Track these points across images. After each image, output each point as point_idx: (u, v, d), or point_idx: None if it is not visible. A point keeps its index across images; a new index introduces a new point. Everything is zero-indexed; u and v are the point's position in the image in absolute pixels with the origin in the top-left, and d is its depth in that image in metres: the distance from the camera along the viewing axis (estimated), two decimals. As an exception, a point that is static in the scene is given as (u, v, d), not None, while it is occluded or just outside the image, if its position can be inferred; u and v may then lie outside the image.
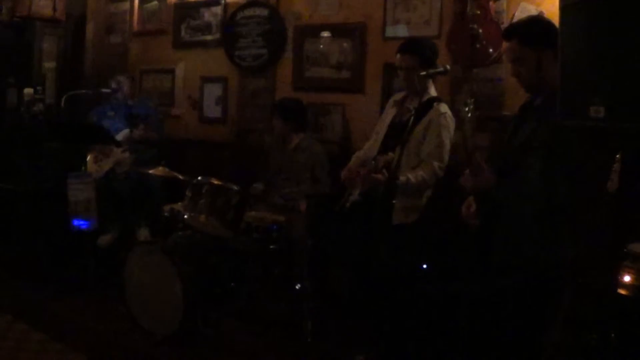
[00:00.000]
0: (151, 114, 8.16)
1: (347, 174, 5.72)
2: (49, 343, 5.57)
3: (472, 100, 4.42)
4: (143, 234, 7.54)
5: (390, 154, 5.45)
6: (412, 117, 5.34)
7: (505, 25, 6.21)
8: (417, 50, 5.78)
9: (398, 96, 6.02)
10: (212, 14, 8.82)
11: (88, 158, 7.65)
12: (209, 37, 8.84)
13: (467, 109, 4.38)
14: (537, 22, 4.62)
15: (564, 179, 3.82)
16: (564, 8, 3.48)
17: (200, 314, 5.56)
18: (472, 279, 4.46)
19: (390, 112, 5.96)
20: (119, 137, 7.74)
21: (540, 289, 3.94)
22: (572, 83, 3.42)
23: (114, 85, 8.10)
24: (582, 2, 3.33)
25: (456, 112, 4.97)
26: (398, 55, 5.84)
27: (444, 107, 5.35)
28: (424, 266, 5.46)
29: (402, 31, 7.05)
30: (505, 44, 4.59)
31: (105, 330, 5.83)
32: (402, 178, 5.36)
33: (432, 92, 5.76)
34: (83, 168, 7.06)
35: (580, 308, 3.75)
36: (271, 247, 6.00)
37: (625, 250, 3.74)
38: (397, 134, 5.58)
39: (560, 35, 3.56)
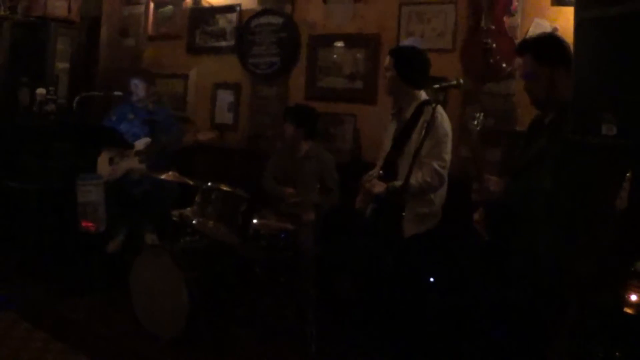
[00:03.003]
0: (172, 124, 8.15)
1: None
2: (52, 343, 5.57)
3: (481, 114, 4.44)
4: (151, 237, 7.53)
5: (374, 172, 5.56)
6: (407, 124, 5.41)
7: (519, 40, 6.21)
8: (396, 54, 5.84)
9: (394, 110, 6.02)
10: (226, 21, 8.83)
11: (100, 159, 7.65)
12: (223, 44, 8.86)
13: (475, 122, 4.40)
14: (551, 39, 4.63)
15: (573, 196, 3.82)
16: (578, 24, 3.47)
17: (206, 319, 5.56)
18: (481, 291, 4.47)
19: (391, 127, 5.96)
20: (139, 144, 7.73)
21: (546, 303, 3.94)
22: (585, 99, 3.40)
23: (132, 87, 8.06)
24: (596, 18, 3.32)
25: (465, 125, 4.95)
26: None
27: (432, 108, 5.31)
28: (431, 279, 5.48)
29: (415, 43, 7.04)
30: (518, 59, 4.60)
31: (109, 332, 5.84)
32: (397, 183, 5.38)
33: (423, 97, 5.76)
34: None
35: (586, 325, 3.74)
36: (278, 254, 5.99)
37: (632, 269, 3.73)
38: (400, 146, 5.62)
39: (574, 52, 3.55)
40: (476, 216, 4.59)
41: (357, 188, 5.74)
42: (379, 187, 5.46)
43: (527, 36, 6.05)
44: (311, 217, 6.38)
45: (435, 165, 5.42)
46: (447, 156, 5.52)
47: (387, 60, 5.82)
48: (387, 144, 5.87)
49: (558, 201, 3.92)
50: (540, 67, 4.29)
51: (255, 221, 6.05)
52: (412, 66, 5.73)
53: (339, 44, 7.76)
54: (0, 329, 5.78)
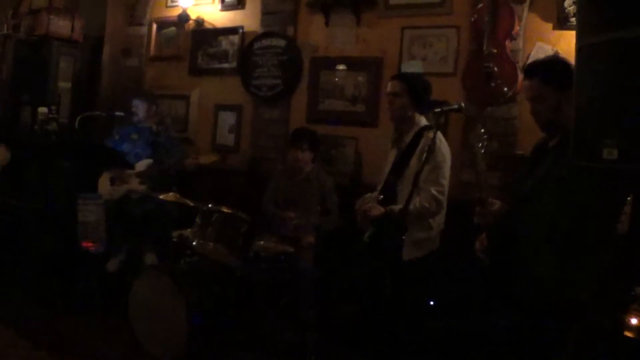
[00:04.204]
0: (175, 145, 8.15)
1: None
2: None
3: (486, 137, 4.43)
4: (151, 258, 7.52)
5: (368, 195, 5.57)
6: (406, 150, 5.43)
7: (520, 64, 6.23)
8: (407, 80, 5.84)
9: (393, 136, 6.04)
10: (229, 43, 8.87)
11: (101, 179, 7.65)
12: (225, 65, 8.90)
13: (480, 144, 4.39)
14: (559, 63, 4.62)
15: (575, 220, 3.82)
16: (579, 49, 3.48)
17: (205, 340, 5.54)
18: (481, 315, 4.46)
19: (391, 154, 5.97)
20: (141, 165, 7.74)
21: (547, 327, 3.94)
22: (586, 124, 3.41)
23: (133, 108, 8.06)
24: (598, 43, 3.33)
25: (469, 149, 4.95)
26: (389, 83, 5.92)
27: (433, 133, 5.30)
28: (431, 302, 5.47)
29: (417, 67, 7.07)
30: (522, 82, 4.61)
31: (108, 352, 5.82)
32: (395, 207, 5.38)
33: (423, 122, 5.78)
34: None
35: (586, 348, 3.73)
36: (278, 277, 5.98)
37: (632, 293, 3.72)
38: (399, 171, 5.63)
39: (575, 76, 3.56)
40: (477, 244, 4.59)
41: (355, 214, 5.74)
42: (377, 211, 5.47)
43: (531, 60, 6.05)
44: (311, 240, 6.39)
45: (433, 190, 5.44)
46: (445, 181, 5.54)
47: (395, 85, 5.82)
48: (387, 169, 5.87)
49: (560, 225, 3.92)
50: (548, 90, 4.29)
51: (255, 243, 6.05)
52: (421, 92, 5.76)
53: (341, 66, 7.78)
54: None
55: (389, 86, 5.90)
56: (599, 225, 3.64)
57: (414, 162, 5.52)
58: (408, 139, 5.71)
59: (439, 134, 5.39)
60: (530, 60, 6.06)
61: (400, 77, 6.00)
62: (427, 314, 5.47)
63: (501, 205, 4.44)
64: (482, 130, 4.48)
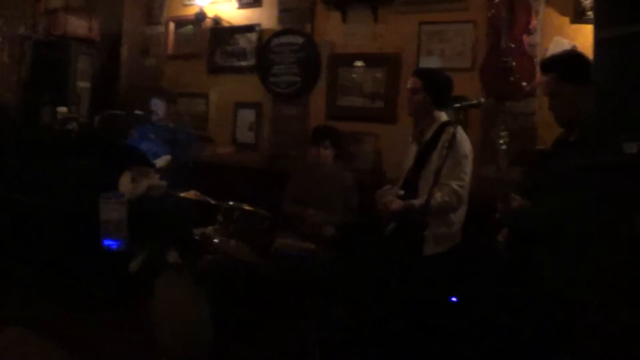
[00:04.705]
0: (193, 141, 8.20)
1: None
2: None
3: (506, 133, 4.43)
4: (172, 256, 7.53)
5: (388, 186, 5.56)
6: (427, 145, 5.43)
7: (538, 58, 6.22)
8: (426, 76, 5.85)
9: (415, 132, 6.04)
10: (247, 40, 8.89)
11: (122, 178, 7.68)
12: (243, 63, 8.92)
13: (501, 141, 4.39)
14: (577, 57, 4.61)
15: (595, 216, 3.82)
16: (598, 43, 3.48)
17: (226, 339, 5.55)
18: (500, 311, 4.46)
19: (412, 149, 5.97)
20: (159, 162, 7.78)
21: (554, 327, 3.94)
22: (605, 118, 3.41)
23: (152, 107, 8.09)
24: (616, 37, 3.33)
25: (490, 145, 4.94)
26: (410, 79, 5.93)
27: (454, 128, 5.27)
28: (451, 299, 5.46)
29: (434, 62, 7.08)
30: (540, 77, 4.60)
31: (129, 352, 5.84)
32: (416, 202, 5.38)
33: (443, 118, 5.77)
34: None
35: (591, 350, 3.73)
36: (299, 274, 5.99)
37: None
38: (420, 166, 5.63)
39: (593, 70, 3.56)
40: (500, 237, 4.59)
41: (375, 206, 5.74)
42: (396, 205, 5.47)
43: (549, 54, 6.04)
44: (331, 237, 6.40)
45: (454, 185, 5.43)
46: (466, 176, 5.53)
47: (413, 81, 5.82)
48: (408, 165, 5.87)
49: (578, 221, 3.91)
50: (565, 85, 4.27)
51: (276, 241, 6.07)
52: (441, 88, 5.75)
53: (359, 63, 7.80)
54: (8, 343, 5.80)
55: (409, 82, 5.91)
56: (617, 221, 3.64)
57: (435, 158, 5.51)
58: (429, 134, 5.70)
59: (460, 129, 5.40)
60: (548, 55, 6.05)
61: (419, 73, 6.00)
62: (446, 310, 5.47)
63: (522, 201, 4.44)
64: (503, 127, 4.48)
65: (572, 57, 4.74)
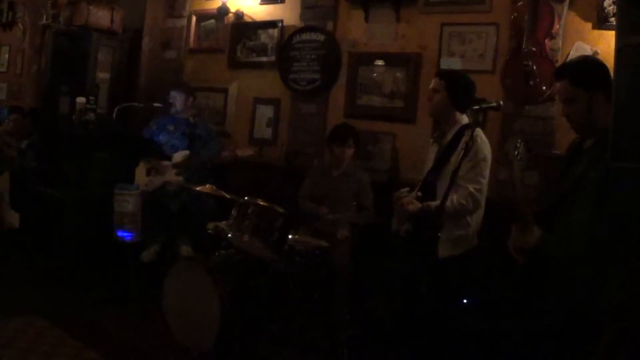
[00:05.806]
0: (212, 138, 8.19)
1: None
2: (83, 351, 5.59)
3: (522, 142, 4.39)
4: (186, 249, 7.53)
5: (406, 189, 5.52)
6: (447, 147, 5.40)
7: (559, 63, 6.18)
8: (449, 78, 5.80)
9: (436, 133, 6.00)
10: (268, 36, 8.87)
11: (138, 169, 7.67)
12: (264, 59, 8.90)
13: (516, 152, 4.35)
14: (589, 63, 4.56)
15: (612, 222, 3.78)
16: (619, 49, 3.43)
17: (237, 334, 5.54)
18: (516, 316, 4.43)
19: (432, 150, 5.93)
20: (178, 156, 7.78)
21: (580, 331, 3.90)
22: (625, 125, 3.37)
23: (170, 99, 8.09)
24: (638, 44, 3.29)
25: (506, 153, 4.90)
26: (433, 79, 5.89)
27: (474, 132, 5.22)
28: (464, 301, 5.44)
29: (455, 64, 7.04)
30: (557, 83, 4.56)
31: (140, 343, 5.85)
32: (432, 203, 5.35)
33: (464, 120, 5.71)
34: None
35: (617, 353, 3.69)
36: (313, 271, 5.97)
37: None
38: (439, 167, 5.60)
39: (614, 76, 3.52)
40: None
41: (393, 207, 5.70)
42: (414, 206, 5.43)
43: (567, 60, 6.01)
44: (346, 234, 6.38)
45: (471, 188, 5.37)
46: (484, 180, 5.47)
47: (435, 82, 5.78)
48: (428, 166, 5.84)
49: (597, 230, 3.88)
50: (578, 92, 4.23)
51: (290, 237, 6.04)
52: (463, 90, 5.70)
53: (380, 62, 7.76)
54: (32, 335, 5.81)
55: (432, 82, 5.86)
56: (635, 228, 3.60)
57: (454, 159, 5.46)
58: (450, 136, 5.66)
59: (479, 131, 5.36)
60: (567, 60, 6.02)
61: (441, 74, 5.96)
62: (462, 313, 5.44)
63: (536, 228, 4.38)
64: (519, 140, 4.44)
65: (584, 63, 4.68)
